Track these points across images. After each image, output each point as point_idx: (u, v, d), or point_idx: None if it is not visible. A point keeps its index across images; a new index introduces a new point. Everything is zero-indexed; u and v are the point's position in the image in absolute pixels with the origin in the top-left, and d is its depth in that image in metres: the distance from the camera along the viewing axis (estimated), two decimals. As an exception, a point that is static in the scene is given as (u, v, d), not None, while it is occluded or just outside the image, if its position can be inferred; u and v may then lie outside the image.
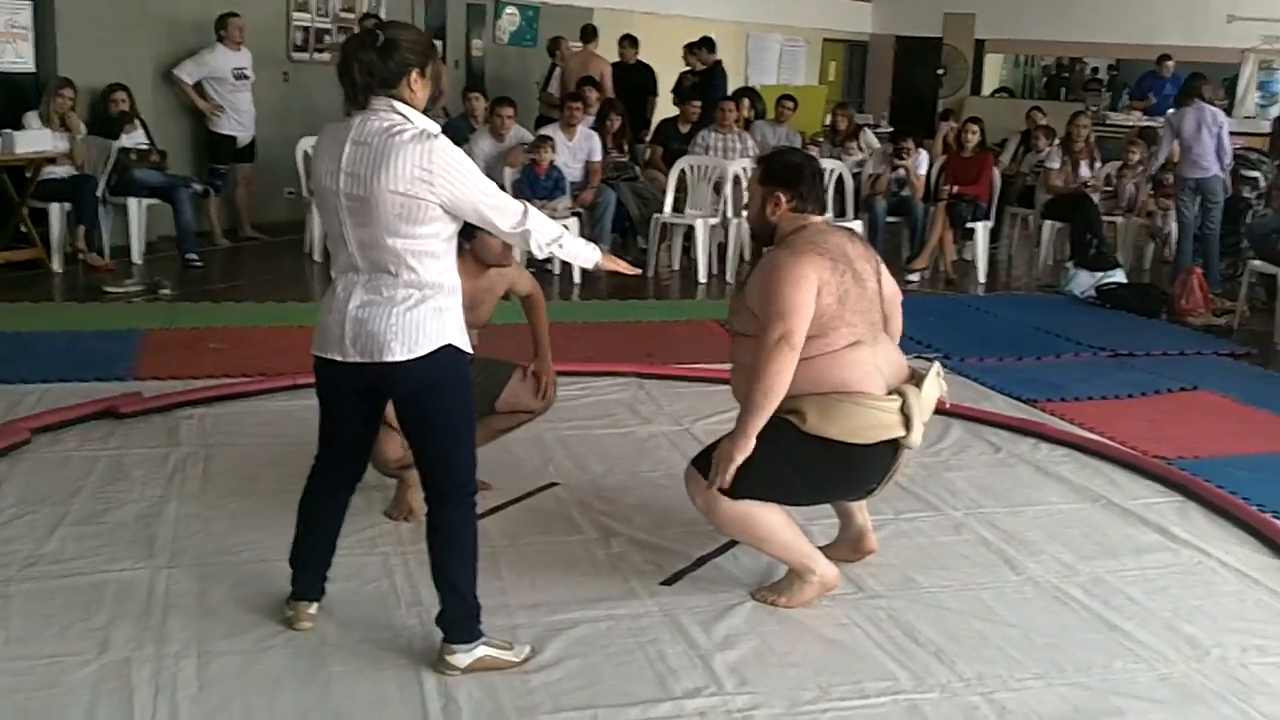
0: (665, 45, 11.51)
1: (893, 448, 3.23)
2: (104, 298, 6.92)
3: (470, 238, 3.54)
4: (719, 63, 10.76)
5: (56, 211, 7.48)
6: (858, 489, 3.38)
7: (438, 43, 10.33)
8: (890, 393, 3.19)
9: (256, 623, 3.10)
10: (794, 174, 3.28)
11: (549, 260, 7.98)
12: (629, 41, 10.64)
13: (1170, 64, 12.70)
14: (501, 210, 2.79)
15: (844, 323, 3.14)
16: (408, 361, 2.75)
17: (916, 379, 3.27)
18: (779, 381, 3.04)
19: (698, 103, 9.68)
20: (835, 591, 3.37)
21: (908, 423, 3.17)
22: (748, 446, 3.08)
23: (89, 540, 3.57)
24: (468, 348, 2.87)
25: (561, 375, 5.27)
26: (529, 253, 2.99)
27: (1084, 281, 8.10)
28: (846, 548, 3.58)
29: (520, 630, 3.11)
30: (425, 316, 2.76)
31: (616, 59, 10.51)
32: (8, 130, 7.27)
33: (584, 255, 3.04)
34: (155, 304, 6.84)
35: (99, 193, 7.64)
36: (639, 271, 3.44)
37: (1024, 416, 5.20)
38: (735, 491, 3.14)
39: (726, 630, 3.17)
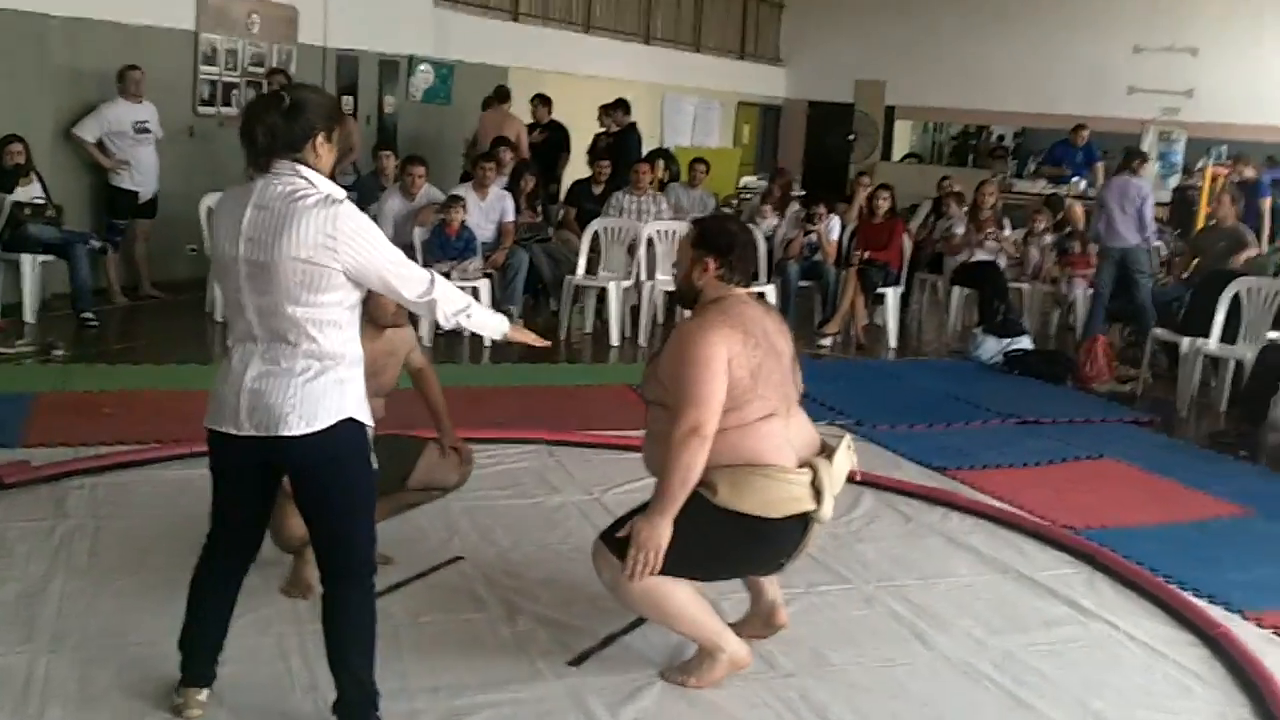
0: (580, 106, 11.57)
1: (804, 521, 3.19)
2: (-7, 358, 6.65)
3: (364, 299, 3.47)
4: (634, 124, 10.84)
5: (-55, 267, 7.21)
6: (769, 563, 3.33)
7: (348, 99, 10.22)
8: (801, 465, 3.16)
9: (143, 711, 2.95)
10: (727, 242, 3.25)
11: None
12: (540, 100, 10.67)
13: (1085, 133, 13.03)
14: (407, 279, 2.73)
15: (757, 395, 3.12)
16: (305, 436, 2.65)
17: (827, 451, 3.25)
18: (691, 475, 3.02)
19: (606, 161, 9.70)
20: (746, 670, 3.30)
21: (818, 496, 3.14)
22: (665, 534, 3.03)
23: (-38, 621, 3.37)
24: (369, 421, 2.78)
25: (469, 442, 5.19)
26: (435, 321, 2.92)
27: (991, 348, 8.23)
28: (758, 622, 3.53)
29: (420, 716, 3.00)
30: (325, 389, 2.67)
31: (529, 119, 10.54)
32: (-106, 183, 6.99)
33: (491, 325, 2.99)
34: (48, 365, 6.59)
35: (-10, 248, 7.38)
36: (547, 343, 3.40)
37: (935, 485, 5.21)
38: None
39: (635, 713, 3.09)
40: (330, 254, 2.60)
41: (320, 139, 2.70)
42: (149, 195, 8.53)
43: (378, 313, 3.53)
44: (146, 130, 8.40)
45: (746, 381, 3.10)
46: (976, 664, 3.50)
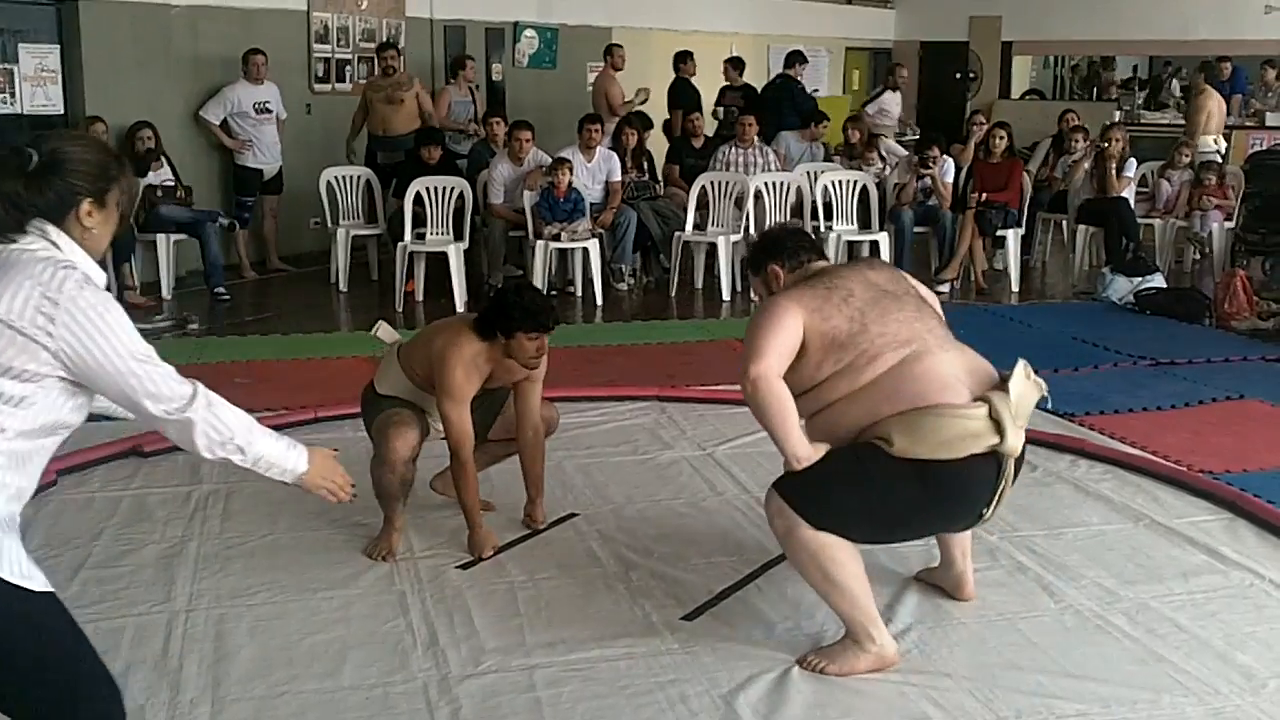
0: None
1: (996, 462, 2.94)
2: (132, 334, 6.90)
3: (510, 336, 3.56)
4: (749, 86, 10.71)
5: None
6: (967, 513, 3.07)
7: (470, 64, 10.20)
8: (976, 400, 2.95)
9: (270, 669, 3.04)
10: (771, 246, 3.32)
11: (569, 281, 8.15)
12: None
13: (1228, 67, 12.39)
14: (151, 388, 1.99)
15: (879, 336, 2.96)
16: None
17: (1005, 385, 3.01)
18: (775, 406, 2.90)
19: (696, 114, 9.65)
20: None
21: (999, 429, 2.90)
22: (801, 457, 2.93)
23: (109, 584, 3.52)
24: (27, 580, 1.95)
25: (583, 401, 5.24)
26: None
27: (1122, 287, 7.91)
28: (946, 585, 3.46)
29: (538, 670, 3.03)
30: None
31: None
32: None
33: (282, 465, 2.15)
34: (183, 339, 6.83)
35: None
36: (349, 496, 2.33)
37: (1062, 432, 5.04)
38: (822, 520, 2.91)
39: (749, 668, 3.06)
40: (44, 323, 1.90)
41: (86, 207, 2.00)
42: (273, 172, 8.79)
43: (520, 355, 3.61)
44: (268, 110, 8.63)
45: (853, 327, 2.96)
46: (1108, 616, 3.36)
